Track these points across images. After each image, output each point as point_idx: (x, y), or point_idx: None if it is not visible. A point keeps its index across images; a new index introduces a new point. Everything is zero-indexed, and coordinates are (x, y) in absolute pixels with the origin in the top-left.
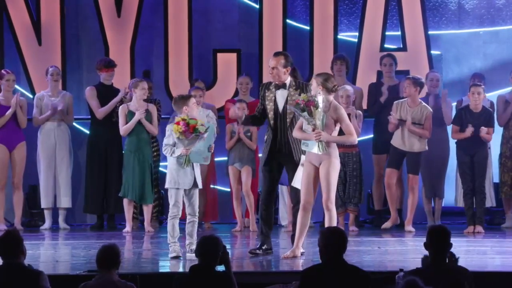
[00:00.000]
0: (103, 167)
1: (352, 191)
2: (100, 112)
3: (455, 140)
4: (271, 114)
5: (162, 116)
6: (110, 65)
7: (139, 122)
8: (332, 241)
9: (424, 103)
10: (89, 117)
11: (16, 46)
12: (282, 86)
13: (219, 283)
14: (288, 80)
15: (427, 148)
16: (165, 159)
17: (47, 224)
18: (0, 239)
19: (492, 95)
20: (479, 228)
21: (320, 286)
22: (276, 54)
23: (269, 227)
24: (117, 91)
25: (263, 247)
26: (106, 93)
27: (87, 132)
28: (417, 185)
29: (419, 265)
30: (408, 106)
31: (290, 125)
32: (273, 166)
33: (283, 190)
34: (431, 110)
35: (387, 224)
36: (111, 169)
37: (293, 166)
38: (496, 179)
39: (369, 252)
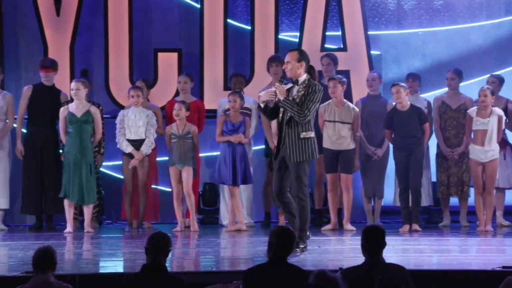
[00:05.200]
0: (39, 167)
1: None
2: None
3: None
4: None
5: (104, 116)
6: (44, 66)
7: (81, 122)
8: (281, 241)
9: (349, 103)
10: (27, 116)
11: None
12: (295, 82)
13: (172, 285)
14: (303, 77)
15: (354, 146)
16: (107, 159)
17: None
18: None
19: (430, 95)
20: (415, 227)
21: (263, 286)
22: (291, 50)
23: (293, 216)
24: (57, 93)
25: (300, 246)
26: (43, 93)
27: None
28: (351, 184)
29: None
30: (335, 106)
31: (288, 121)
32: (281, 162)
33: (224, 190)
34: (358, 109)
35: (327, 227)
36: (48, 169)
37: (290, 162)
38: (434, 179)
39: (309, 251)
